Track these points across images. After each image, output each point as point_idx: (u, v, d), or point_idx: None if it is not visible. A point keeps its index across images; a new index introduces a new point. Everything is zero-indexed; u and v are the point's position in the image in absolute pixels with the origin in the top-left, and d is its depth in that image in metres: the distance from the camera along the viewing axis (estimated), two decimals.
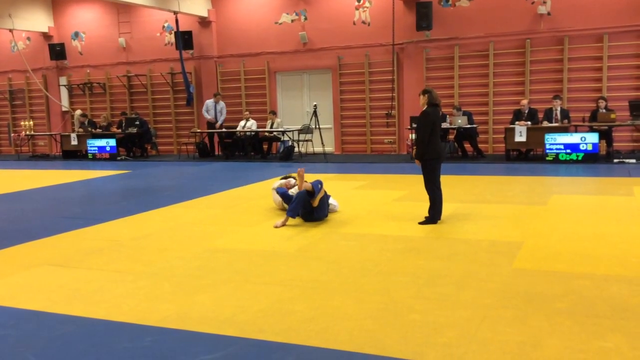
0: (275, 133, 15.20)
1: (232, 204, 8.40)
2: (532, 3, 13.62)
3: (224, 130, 15.48)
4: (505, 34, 13.92)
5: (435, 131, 6.62)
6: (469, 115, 13.22)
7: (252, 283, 4.67)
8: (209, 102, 15.72)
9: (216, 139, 16.09)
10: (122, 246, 6.08)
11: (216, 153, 16.19)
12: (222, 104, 15.77)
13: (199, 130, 16.22)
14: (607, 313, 3.78)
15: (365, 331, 3.61)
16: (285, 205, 7.49)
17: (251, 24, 16.44)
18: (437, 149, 6.64)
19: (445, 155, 6.91)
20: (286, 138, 15.26)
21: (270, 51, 16.35)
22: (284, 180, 7.83)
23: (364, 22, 15.28)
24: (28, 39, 19.47)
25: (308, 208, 6.83)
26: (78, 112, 17.94)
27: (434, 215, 6.66)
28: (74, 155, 17.29)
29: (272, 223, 6.93)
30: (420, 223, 6.63)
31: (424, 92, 6.76)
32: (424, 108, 6.70)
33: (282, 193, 7.42)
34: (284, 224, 6.75)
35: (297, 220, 6.90)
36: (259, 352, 3.40)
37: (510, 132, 12.58)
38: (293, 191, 7.36)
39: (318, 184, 6.90)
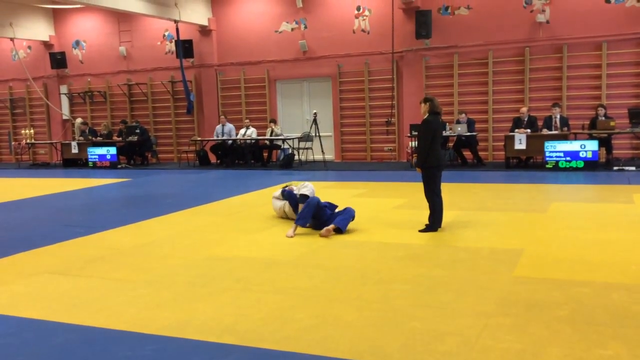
0: (275, 141, 15.23)
1: (232, 212, 8.40)
2: (531, 11, 13.68)
3: (224, 138, 15.49)
4: (505, 42, 13.98)
5: (436, 139, 6.65)
6: (471, 122, 13.24)
7: (252, 291, 4.67)
8: (218, 127, 15.69)
9: (208, 145, 16.02)
10: (123, 254, 6.08)
11: (211, 161, 16.12)
12: (229, 125, 15.64)
13: (199, 139, 16.24)
14: (607, 321, 3.78)
15: (365, 339, 3.61)
16: (286, 211, 7.49)
17: (251, 33, 16.50)
18: (437, 156, 6.66)
19: (446, 163, 6.94)
20: (286, 146, 15.29)
21: (270, 59, 16.41)
22: (278, 192, 7.79)
23: (363, 31, 15.34)
24: (29, 47, 19.54)
25: (321, 219, 6.78)
26: (79, 120, 17.98)
27: (433, 222, 6.66)
28: (75, 164, 17.31)
29: (273, 231, 6.94)
30: (421, 231, 6.63)
31: (425, 100, 6.79)
32: (425, 116, 6.73)
33: (289, 193, 7.39)
34: (295, 232, 6.64)
35: (298, 228, 6.84)
36: None
37: (510, 140, 12.60)
38: (302, 189, 7.27)
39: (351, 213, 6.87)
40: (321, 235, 6.47)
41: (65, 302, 4.57)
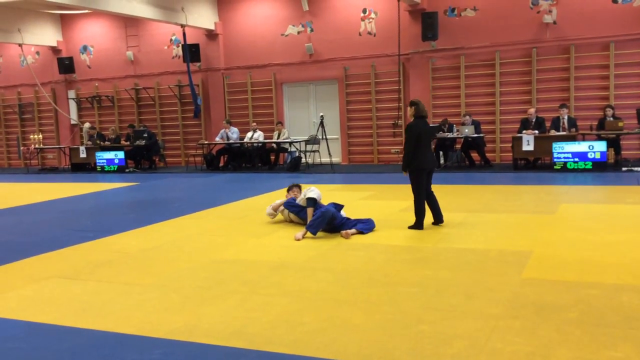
0: (282, 144, 15.25)
1: (240, 215, 8.41)
2: (538, 12, 13.64)
3: (231, 141, 15.52)
4: (511, 43, 13.94)
5: (422, 143, 6.81)
6: (477, 124, 13.22)
7: (260, 294, 4.67)
8: (222, 131, 15.72)
9: (216, 149, 16.03)
10: (131, 258, 6.10)
11: (220, 165, 16.09)
12: (233, 129, 15.68)
13: (206, 142, 16.28)
14: (617, 323, 3.75)
15: (374, 342, 3.60)
16: (292, 217, 7.49)
17: (257, 36, 16.54)
18: (422, 159, 6.81)
19: (435, 166, 7.15)
20: (293, 149, 15.30)
21: (276, 63, 16.44)
22: (278, 202, 7.73)
23: (369, 33, 15.35)
24: (37, 53, 19.68)
25: (334, 223, 6.77)
26: (87, 125, 18.07)
27: (418, 221, 6.85)
28: (83, 168, 17.41)
29: (280, 234, 6.94)
30: (410, 227, 6.87)
31: (412, 104, 7.00)
32: (411, 120, 6.91)
33: (288, 203, 7.42)
34: (304, 236, 6.64)
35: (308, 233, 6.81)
36: None
37: (517, 141, 12.56)
38: (308, 193, 7.22)
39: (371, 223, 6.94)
40: (341, 236, 6.60)
41: (74, 306, 4.59)
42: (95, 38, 18.73)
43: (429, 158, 6.94)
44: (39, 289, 5.12)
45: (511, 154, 13.12)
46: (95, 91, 18.86)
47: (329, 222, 6.72)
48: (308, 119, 16.53)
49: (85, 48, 18.93)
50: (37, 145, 18.60)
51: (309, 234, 6.65)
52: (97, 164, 16.58)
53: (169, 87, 17.64)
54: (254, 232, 7.16)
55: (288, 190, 7.86)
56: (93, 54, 18.86)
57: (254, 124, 15.82)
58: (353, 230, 6.66)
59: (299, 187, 7.81)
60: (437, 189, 7.22)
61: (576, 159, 11.89)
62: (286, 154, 15.61)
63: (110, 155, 16.40)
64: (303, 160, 15.02)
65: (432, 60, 14.71)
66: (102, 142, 17.07)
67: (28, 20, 17.88)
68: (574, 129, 12.38)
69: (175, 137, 18.04)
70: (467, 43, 14.31)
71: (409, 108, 6.98)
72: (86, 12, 17.77)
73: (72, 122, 19.33)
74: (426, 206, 6.94)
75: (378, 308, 4.23)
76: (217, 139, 15.74)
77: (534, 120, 12.69)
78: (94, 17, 18.42)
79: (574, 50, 13.41)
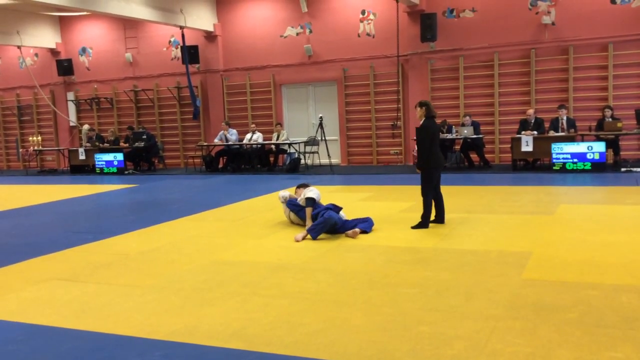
0: (281, 145, 15.25)
1: (239, 217, 8.41)
2: (537, 13, 13.66)
3: (230, 143, 15.52)
4: (510, 44, 13.95)
5: (435, 142, 6.94)
6: (476, 125, 13.23)
7: (260, 296, 4.67)
8: (221, 133, 15.71)
9: (215, 150, 16.04)
10: (131, 260, 6.10)
11: (219, 166, 16.07)
12: (232, 131, 15.72)
13: (205, 144, 16.28)
14: (617, 323, 3.76)
15: (374, 343, 3.60)
16: (292, 218, 7.50)
17: (256, 38, 16.55)
18: (436, 159, 6.97)
19: (444, 164, 7.32)
20: (292, 150, 15.30)
21: (275, 64, 16.44)
22: (287, 193, 7.76)
23: (368, 35, 15.36)
24: (36, 55, 19.67)
25: (335, 226, 6.79)
26: (86, 127, 18.07)
27: (425, 219, 6.91)
28: (82, 170, 17.39)
29: (280, 235, 6.94)
30: (413, 227, 6.90)
31: (421, 104, 7.01)
32: (422, 121, 6.98)
33: (290, 202, 7.42)
34: (304, 238, 6.65)
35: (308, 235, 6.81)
36: None
37: (516, 142, 12.57)
38: (308, 193, 7.25)
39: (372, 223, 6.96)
40: (347, 236, 6.65)
41: (74, 308, 4.58)
42: (94, 40, 18.73)
43: (440, 158, 7.12)
44: (38, 291, 5.12)
45: (510, 155, 13.13)
46: (94, 93, 18.85)
47: (330, 228, 6.76)
48: (307, 120, 16.54)
49: (84, 50, 18.93)
50: (36, 147, 18.59)
51: (308, 236, 6.65)
52: (96, 166, 16.56)
53: (167, 88, 17.64)
54: (253, 234, 7.16)
55: (297, 189, 7.83)
56: (92, 56, 18.86)
57: (253, 125, 15.82)
58: (358, 230, 6.71)
59: (304, 188, 7.78)
60: None
61: (575, 160, 11.90)
62: (285, 155, 15.62)
63: (109, 157, 16.39)
64: (302, 161, 15.02)
65: (431, 62, 14.72)
66: (101, 144, 17.06)
67: (27, 22, 17.87)
68: (572, 130, 12.39)
69: (174, 139, 18.04)
70: (465, 44, 14.33)
71: (418, 109, 7.01)
72: (85, 14, 17.75)
73: (71, 124, 19.33)
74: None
75: (378, 309, 4.23)
76: (216, 141, 15.75)
77: (532, 121, 12.70)
78: (92, 19, 18.41)
79: (573, 51, 13.42)
